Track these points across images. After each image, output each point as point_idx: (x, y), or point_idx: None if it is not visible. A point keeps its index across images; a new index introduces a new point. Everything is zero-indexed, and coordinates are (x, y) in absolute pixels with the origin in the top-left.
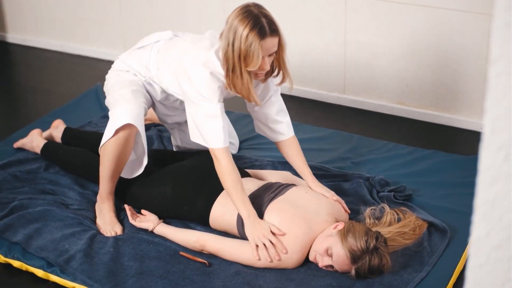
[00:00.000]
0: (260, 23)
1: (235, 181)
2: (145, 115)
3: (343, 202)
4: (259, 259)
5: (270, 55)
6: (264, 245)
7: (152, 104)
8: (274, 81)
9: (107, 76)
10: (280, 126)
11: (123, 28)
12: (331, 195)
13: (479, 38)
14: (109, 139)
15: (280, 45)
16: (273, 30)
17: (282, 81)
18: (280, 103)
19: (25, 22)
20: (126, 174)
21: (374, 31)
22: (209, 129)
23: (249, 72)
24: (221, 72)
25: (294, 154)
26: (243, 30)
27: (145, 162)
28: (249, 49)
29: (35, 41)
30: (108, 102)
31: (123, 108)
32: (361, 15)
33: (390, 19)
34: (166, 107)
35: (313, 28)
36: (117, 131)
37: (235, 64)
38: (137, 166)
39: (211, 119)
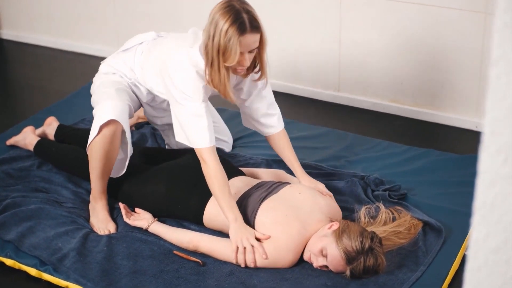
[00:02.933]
0: (241, 18)
1: (222, 185)
2: (130, 115)
3: (332, 197)
4: (236, 261)
5: (250, 51)
6: (245, 248)
7: (140, 106)
8: (254, 77)
9: (93, 80)
10: (271, 119)
11: (117, 24)
12: (322, 186)
13: (473, 36)
14: (94, 137)
15: (261, 42)
16: (254, 26)
17: (259, 78)
18: (270, 96)
19: (19, 18)
20: (112, 173)
21: (368, 29)
22: (193, 128)
23: (227, 68)
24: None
25: (285, 148)
26: (223, 25)
27: (127, 162)
28: (228, 44)
29: (29, 38)
30: (92, 101)
31: (107, 105)
32: (355, 13)
33: (385, 17)
34: (153, 109)
35: (307, 26)
36: (101, 128)
37: (214, 58)
38: (123, 165)
39: (196, 119)
